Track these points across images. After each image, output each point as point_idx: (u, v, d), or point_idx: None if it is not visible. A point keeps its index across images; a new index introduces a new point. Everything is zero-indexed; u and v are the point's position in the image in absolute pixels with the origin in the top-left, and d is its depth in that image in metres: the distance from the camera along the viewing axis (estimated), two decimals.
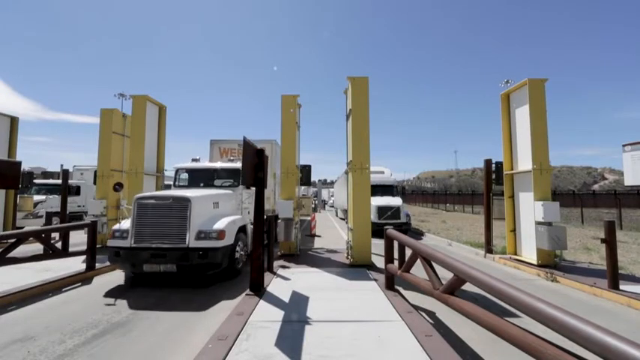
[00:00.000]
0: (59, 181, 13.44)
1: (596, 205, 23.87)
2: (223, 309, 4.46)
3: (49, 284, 5.39)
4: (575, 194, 27.14)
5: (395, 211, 12.59)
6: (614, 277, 5.18)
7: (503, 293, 2.43)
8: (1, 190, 9.51)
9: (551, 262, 6.88)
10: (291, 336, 3.49)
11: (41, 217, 12.17)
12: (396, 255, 5.14)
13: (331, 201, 36.50)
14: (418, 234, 13.48)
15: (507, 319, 2.57)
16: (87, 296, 5.13)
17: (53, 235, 7.02)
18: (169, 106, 10.36)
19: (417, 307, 4.44)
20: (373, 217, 11.40)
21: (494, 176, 8.66)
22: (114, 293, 5.29)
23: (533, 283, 6.02)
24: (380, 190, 13.53)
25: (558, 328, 1.94)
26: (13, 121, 9.98)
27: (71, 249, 6.35)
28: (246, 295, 4.84)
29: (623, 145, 8.30)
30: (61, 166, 21.03)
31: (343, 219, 17.25)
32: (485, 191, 9.00)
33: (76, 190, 15.02)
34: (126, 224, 5.72)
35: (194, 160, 8.57)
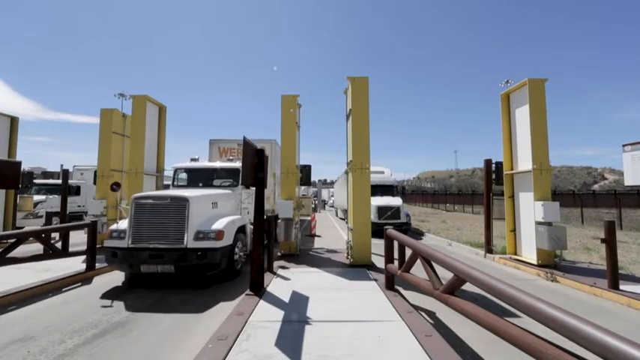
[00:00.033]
0: (59, 181, 13.44)
1: (596, 205, 23.88)
2: (223, 310, 4.43)
3: (49, 284, 5.40)
4: (575, 194, 27.14)
5: (395, 211, 12.59)
6: (614, 277, 5.18)
7: (503, 293, 2.43)
8: (1, 190, 9.51)
9: (551, 262, 6.88)
10: (291, 336, 3.49)
11: (41, 217, 12.17)
12: (396, 255, 5.14)
13: (331, 201, 36.50)
14: (418, 234, 13.48)
15: (507, 319, 2.57)
16: (87, 296, 5.13)
17: (53, 235, 7.02)
18: (169, 106, 10.38)
19: (417, 307, 4.44)
20: (373, 217, 11.40)
21: (494, 176, 8.66)
22: (113, 294, 5.29)
23: (533, 283, 6.02)
24: (380, 190, 13.53)
25: (558, 328, 1.94)
26: (13, 121, 9.98)
27: (71, 249, 6.35)
28: (246, 295, 4.84)
29: (623, 145, 8.30)
30: (61, 166, 21.04)
31: (343, 219, 17.25)
32: (485, 191, 9.00)
33: (76, 190, 15.02)
34: (123, 224, 5.66)
35: (193, 159, 8.50)
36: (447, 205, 34.39)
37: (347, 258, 7.67)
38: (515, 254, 7.80)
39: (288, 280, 5.79)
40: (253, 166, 5.03)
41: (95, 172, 9.66)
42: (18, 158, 9.86)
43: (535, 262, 6.91)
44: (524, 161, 7.51)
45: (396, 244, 5.09)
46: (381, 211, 12.54)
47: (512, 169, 8.06)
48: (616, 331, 1.73)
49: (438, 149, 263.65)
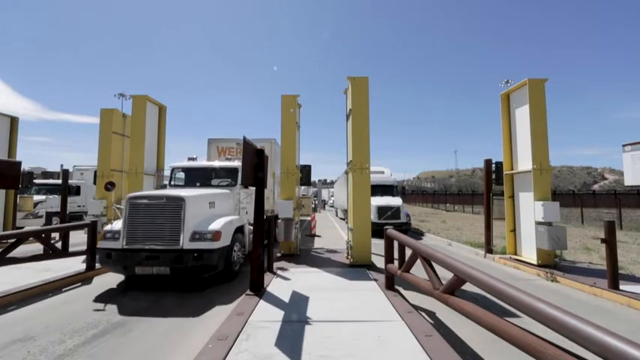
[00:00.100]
0: (59, 181, 13.44)
1: (596, 205, 23.88)
2: (220, 313, 4.31)
3: (49, 284, 5.39)
4: (575, 194, 27.14)
5: (395, 211, 12.59)
6: (614, 277, 5.18)
7: (503, 293, 2.43)
8: (1, 190, 9.51)
9: (551, 262, 6.88)
10: (291, 336, 3.49)
11: (41, 217, 12.17)
12: (396, 255, 5.14)
13: (331, 201, 36.49)
14: (418, 234, 13.48)
15: (507, 319, 2.57)
16: (87, 296, 5.13)
17: (53, 235, 7.02)
18: (169, 106, 10.37)
19: (417, 307, 4.44)
20: (373, 217, 11.40)
21: (494, 176, 8.66)
22: (113, 294, 5.29)
23: (533, 283, 6.02)
24: (380, 190, 13.53)
25: (558, 328, 1.94)
26: (13, 121, 9.99)
27: (71, 249, 6.35)
28: (246, 295, 4.84)
29: (623, 145, 8.29)
30: (61, 166, 21.05)
31: (343, 219, 17.25)
32: (485, 191, 9.00)
33: (76, 190, 15.02)
34: (118, 225, 5.52)
35: (190, 158, 8.37)
36: (447, 205, 34.39)
37: (347, 258, 7.67)
38: (515, 254, 7.80)
39: (288, 280, 5.78)
40: (253, 166, 5.02)
41: (95, 172, 9.65)
42: (18, 158, 9.87)
43: (535, 262, 6.91)
44: (524, 161, 7.51)
45: (396, 244, 5.09)
46: (381, 211, 12.54)
47: (512, 169, 8.06)
48: (616, 331, 1.73)
49: (438, 149, 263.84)
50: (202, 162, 8.44)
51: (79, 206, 14.92)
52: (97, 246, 5.50)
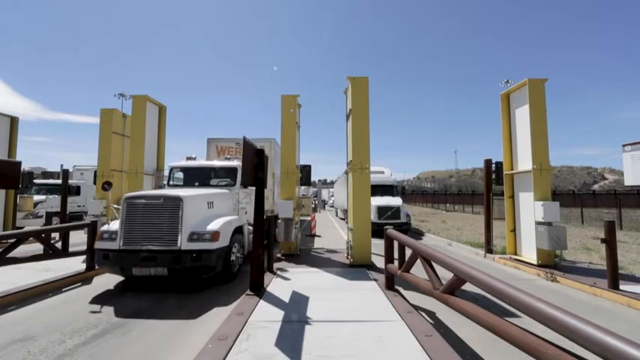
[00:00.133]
0: (59, 181, 13.44)
1: (596, 205, 23.88)
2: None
3: (49, 284, 5.39)
4: (575, 194, 27.14)
5: (395, 211, 12.59)
6: (614, 277, 5.18)
7: (503, 293, 2.43)
8: (1, 190, 9.51)
9: (551, 262, 6.88)
10: (291, 336, 3.49)
11: (41, 217, 12.17)
12: (396, 255, 5.14)
13: (331, 201, 36.49)
14: (418, 234, 13.48)
15: (507, 319, 2.57)
16: (87, 296, 5.12)
17: (53, 235, 7.02)
18: (169, 106, 10.37)
19: (417, 307, 4.44)
20: (373, 217, 11.40)
21: (494, 176, 8.66)
22: (114, 293, 5.30)
23: (533, 283, 6.02)
24: (380, 190, 13.53)
25: (558, 328, 1.94)
26: (13, 121, 9.98)
27: (71, 249, 6.34)
28: (246, 295, 4.84)
29: (623, 145, 8.29)
30: (61, 166, 21.05)
31: (343, 219, 17.25)
32: (485, 191, 9.00)
33: (76, 190, 15.02)
34: (115, 225, 5.46)
35: (189, 158, 8.27)
36: (447, 205, 34.38)
37: (347, 258, 7.67)
38: (515, 254, 7.80)
39: (288, 280, 5.78)
40: (253, 166, 5.02)
41: (95, 172, 9.65)
42: (18, 158, 9.87)
43: (535, 262, 6.91)
44: (524, 161, 7.51)
45: (396, 244, 5.09)
46: (381, 211, 12.54)
47: (512, 169, 8.06)
48: (616, 331, 1.73)
49: (438, 149, 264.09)
50: (201, 161, 8.33)
51: (79, 206, 14.92)
52: (94, 246, 5.42)
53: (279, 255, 8.02)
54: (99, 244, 5.36)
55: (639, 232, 13.69)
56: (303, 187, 10.45)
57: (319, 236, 12.79)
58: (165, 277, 5.23)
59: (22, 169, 5.79)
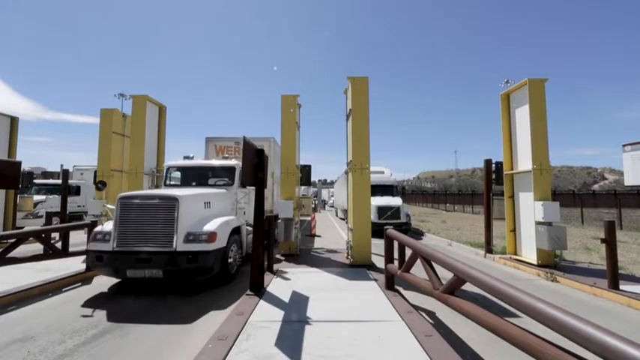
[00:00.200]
0: (59, 181, 13.43)
1: (596, 205, 23.88)
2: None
3: (49, 284, 5.39)
4: (575, 194, 27.14)
5: (395, 211, 12.59)
6: (614, 277, 5.18)
7: (503, 293, 2.43)
8: (1, 190, 9.51)
9: (551, 262, 6.88)
10: (291, 336, 3.49)
11: (41, 217, 12.16)
12: (396, 255, 5.14)
13: (331, 201, 36.49)
14: (418, 234, 13.48)
15: (507, 319, 2.57)
16: (87, 296, 5.12)
17: (53, 235, 7.01)
18: (169, 106, 10.38)
19: (417, 307, 4.44)
20: (373, 217, 11.40)
21: (494, 176, 8.66)
22: (112, 294, 5.29)
23: (533, 283, 6.02)
24: (380, 190, 13.53)
25: (558, 328, 1.94)
26: (13, 121, 9.98)
27: (71, 249, 6.35)
28: (246, 295, 4.83)
29: (623, 145, 8.28)
30: (61, 166, 21.06)
31: (343, 219, 17.25)
32: (485, 191, 9.00)
33: (76, 190, 15.02)
34: (108, 226, 5.31)
35: (186, 157, 8.17)
36: (447, 205, 34.39)
37: (347, 258, 7.67)
38: (515, 254, 7.80)
39: (288, 280, 5.78)
40: (253, 166, 5.01)
41: (95, 172, 9.66)
42: (18, 158, 9.87)
43: (535, 262, 6.91)
44: (524, 161, 7.51)
45: (396, 244, 5.09)
46: (381, 211, 12.54)
47: (512, 169, 8.06)
48: (616, 331, 1.73)
49: (438, 149, 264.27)
50: (198, 161, 8.19)
51: (79, 206, 14.92)
52: (87, 248, 5.26)
53: (279, 255, 8.02)
54: (92, 246, 5.21)
55: (639, 232, 13.69)
56: (303, 187, 10.44)
57: (319, 236, 12.79)
58: (161, 279, 5.10)
59: (22, 169, 5.78)
